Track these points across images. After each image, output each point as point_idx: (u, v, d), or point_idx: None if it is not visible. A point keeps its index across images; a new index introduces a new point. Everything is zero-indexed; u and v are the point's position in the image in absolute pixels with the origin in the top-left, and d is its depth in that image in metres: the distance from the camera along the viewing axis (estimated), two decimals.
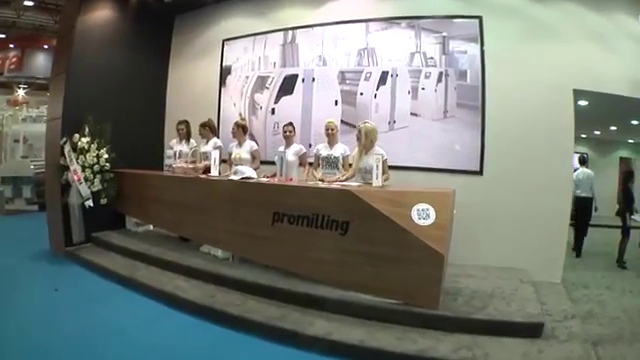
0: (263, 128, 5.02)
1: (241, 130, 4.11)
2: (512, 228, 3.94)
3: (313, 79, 4.72)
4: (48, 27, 10.27)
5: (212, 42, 5.53)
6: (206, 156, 4.42)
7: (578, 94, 3.98)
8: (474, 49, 4.16)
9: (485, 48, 4.12)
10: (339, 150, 3.78)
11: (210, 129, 4.49)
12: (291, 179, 3.60)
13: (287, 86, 4.87)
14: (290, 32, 4.90)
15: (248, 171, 3.65)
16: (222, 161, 4.11)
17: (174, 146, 4.82)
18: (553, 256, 3.87)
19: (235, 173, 3.64)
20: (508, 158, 4.00)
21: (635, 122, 6.31)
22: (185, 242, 4.35)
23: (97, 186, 4.37)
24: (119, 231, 4.82)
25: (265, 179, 3.56)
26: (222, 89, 5.40)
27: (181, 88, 5.74)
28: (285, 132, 3.96)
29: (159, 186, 4.30)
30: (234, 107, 5.29)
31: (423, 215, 2.69)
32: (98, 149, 4.41)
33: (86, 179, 4.30)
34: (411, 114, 4.30)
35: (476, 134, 4.11)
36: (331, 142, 3.81)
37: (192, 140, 4.82)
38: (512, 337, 2.52)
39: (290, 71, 4.88)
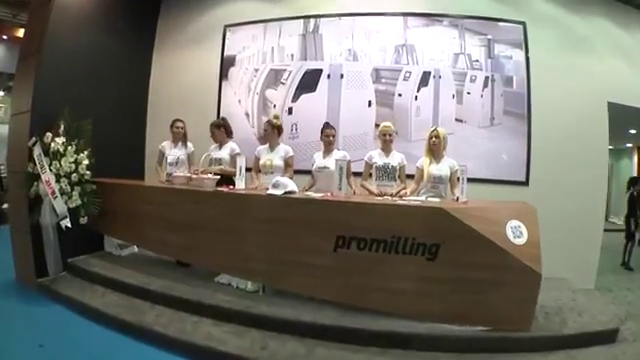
0: None
1: (276, 132, 3.59)
2: (553, 238, 3.91)
3: (342, 75, 4.31)
4: (6, 21, 9.11)
5: (210, 28, 4.89)
6: (219, 164, 3.80)
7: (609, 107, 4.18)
8: (519, 55, 4.13)
9: (530, 55, 4.13)
10: (396, 159, 3.42)
11: (225, 131, 3.86)
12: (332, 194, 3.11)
13: (308, 82, 4.40)
14: (312, 20, 4.45)
15: (290, 183, 3.12)
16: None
17: (166, 150, 4.12)
18: (588, 263, 4.05)
19: (275, 186, 3.07)
20: (551, 168, 4.06)
21: (633, 131, 6.76)
22: (184, 267, 3.69)
23: (75, 201, 3.54)
24: (98, 255, 4.05)
25: (318, 195, 3.03)
26: (223, 83, 4.74)
27: (168, 82, 5.01)
28: (328, 136, 3.50)
29: (162, 202, 3.55)
30: (239, 105, 4.68)
31: (517, 233, 2.58)
32: (76, 153, 3.58)
33: (62, 192, 3.45)
34: (456, 120, 4.09)
35: (522, 143, 4.08)
36: (387, 149, 3.45)
37: (189, 143, 4.16)
38: (597, 345, 2.60)
39: (312, 65, 4.41)
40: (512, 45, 4.13)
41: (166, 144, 4.15)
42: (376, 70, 4.24)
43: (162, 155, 4.13)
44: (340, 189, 2.95)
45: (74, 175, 3.55)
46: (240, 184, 3.38)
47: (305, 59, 4.44)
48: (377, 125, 4.10)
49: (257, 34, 4.63)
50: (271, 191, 3.06)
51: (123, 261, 3.93)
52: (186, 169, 4.12)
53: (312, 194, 3.05)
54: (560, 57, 4.15)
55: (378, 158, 3.43)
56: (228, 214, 3.18)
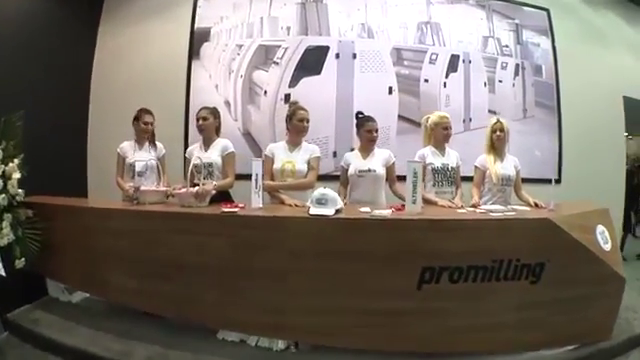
0: (269, 123, 3.76)
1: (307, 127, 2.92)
2: None
3: (354, 55, 3.74)
4: None
5: None
6: (209, 171, 2.96)
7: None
8: (546, 43, 4.06)
9: (556, 44, 4.11)
10: (453, 158, 3.00)
11: (214, 123, 3.05)
12: (399, 208, 2.56)
13: (310, 62, 3.75)
14: None
15: (339, 198, 2.49)
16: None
17: (127, 153, 3.21)
18: None
19: (322, 203, 2.39)
20: (580, 164, 4.09)
21: None
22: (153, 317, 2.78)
23: (7, 236, 2.50)
24: (42, 303, 3.07)
25: (386, 212, 2.41)
26: (193, 64, 3.86)
27: (118, 65, 4.00)
28: (370, 132, 2.90)
29: (134, 232, 2.58)
30: (216, 91, 3.87)
31: (604, 239, 2.48)
32: (3, 162, 2.53)
33: None
34: (489, 111, 3.83)
35: (554, 137, 4.02)
36: (442, 147, 2.98)
37: (159, 144, 3.31)
38: None
39: (315, 41, 3.77)
40: (538, 32, 4.06)
41: (127, 146, 3.23)
42: (397, 50, 3.77)
43: (122, 161, 3.19)
44: (414, 202, 2.39)
45: (2, 197, 2.50)
46: (256, 201, 2.64)
47: (306, 33, 3.77)
48: (401, 117, 3.70)
49: (240, 2, 3.84)
50: (317, 211, 2.35)
51: (77, 313, 2.94)
52: (157, 179, 3.22)
53: (376, 212, 2.42)
54: (582, 48, 4.21)
55: (433, 158, 2.93)
56: (246, 248, 2.36)
